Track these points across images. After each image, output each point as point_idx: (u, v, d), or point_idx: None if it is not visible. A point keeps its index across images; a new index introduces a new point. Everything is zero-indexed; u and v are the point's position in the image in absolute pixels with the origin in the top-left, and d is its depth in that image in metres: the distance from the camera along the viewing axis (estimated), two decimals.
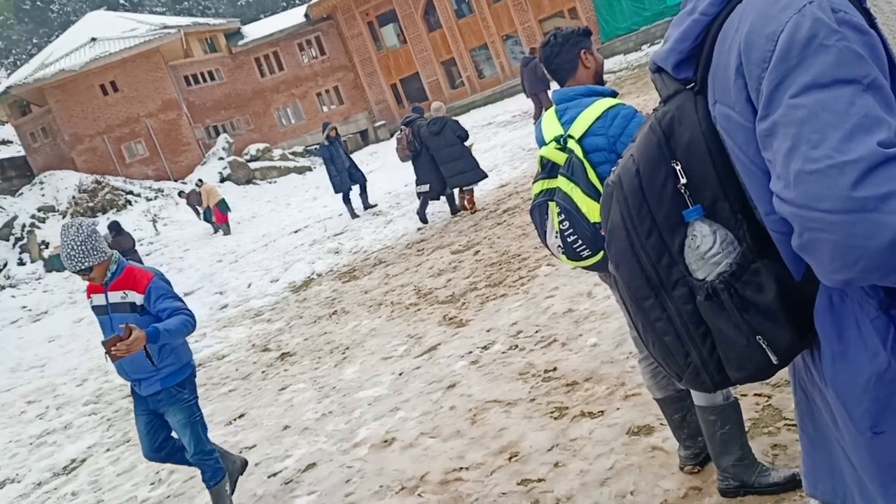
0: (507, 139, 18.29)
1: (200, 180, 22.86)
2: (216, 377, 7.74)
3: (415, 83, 36.12)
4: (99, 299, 3.95)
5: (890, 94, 1.05)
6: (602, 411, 3.89)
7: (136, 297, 3.84)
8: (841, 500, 1.36)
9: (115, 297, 3.88)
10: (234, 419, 6.13)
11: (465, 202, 11.41)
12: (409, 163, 11.89)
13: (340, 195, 14.64)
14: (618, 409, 3.85)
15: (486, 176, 11.31)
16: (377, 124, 35.33)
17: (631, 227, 1.34)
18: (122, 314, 3.85)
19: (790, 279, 1.23)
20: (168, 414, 4.05)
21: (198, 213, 22.37)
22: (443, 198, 11.70)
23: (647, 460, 3.30)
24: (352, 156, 14.62)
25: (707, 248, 1.26)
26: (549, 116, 2.85)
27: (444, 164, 11.01)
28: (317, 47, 37.34)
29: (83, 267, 3.75)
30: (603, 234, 2.53)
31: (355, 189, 14.74)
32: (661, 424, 3.45)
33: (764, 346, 1.24)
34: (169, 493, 5.09)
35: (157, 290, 3.85)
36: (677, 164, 1.28)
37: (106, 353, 3.57)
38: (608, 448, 3.51)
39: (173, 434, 4.23)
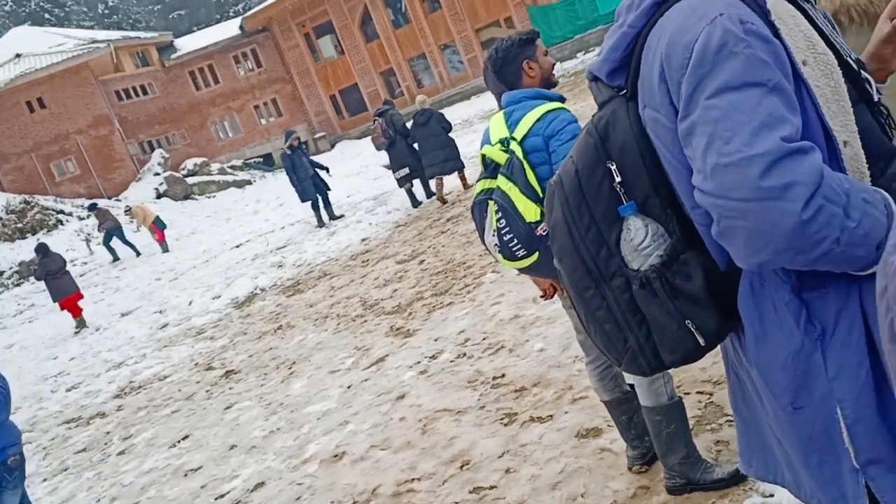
0: None
1: (128, 206, 22.08)
2: (158, 399, 7.56)
3: (354, 94, 35.98)
4: None
5: (793, 96, 1.17)
6: (551, 416, 3.93)
7: None
8: (772, 476, 1.45)
9: None
10: (178, 441, 5.99)
11: (442, 193, 12.10)
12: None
13: (309, 203, 14.38)
14: (566, 412, 3.89)
15: (464, 166, 12.15)
16: (317, 136, 35.08)
17: (572, 222, 1.42)
18: None
19: (715, 268, 1.34)
20: None
21: (109, 234, 20.22)
22: (402, 191, 12.43)
23: (596, 462, 3.34)
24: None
25: (640, 241, 1.35)
26: (498, 119, 2.88)
27: (427, 153, 11.67)
28: (253, 59, 36.92)
29: None
30: (540, 232, 2.59)
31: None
32: (609, 426, 3.50)
33: (693, 329, 1.34)
34: None
35: None
36: (612, 165, 1.38)
37: None
38: (558, 452, 3.54)
39: None
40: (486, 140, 2.87)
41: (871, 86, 1.33)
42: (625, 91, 1.39)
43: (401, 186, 12.55)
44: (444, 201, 11.86)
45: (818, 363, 1.23)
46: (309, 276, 10.74)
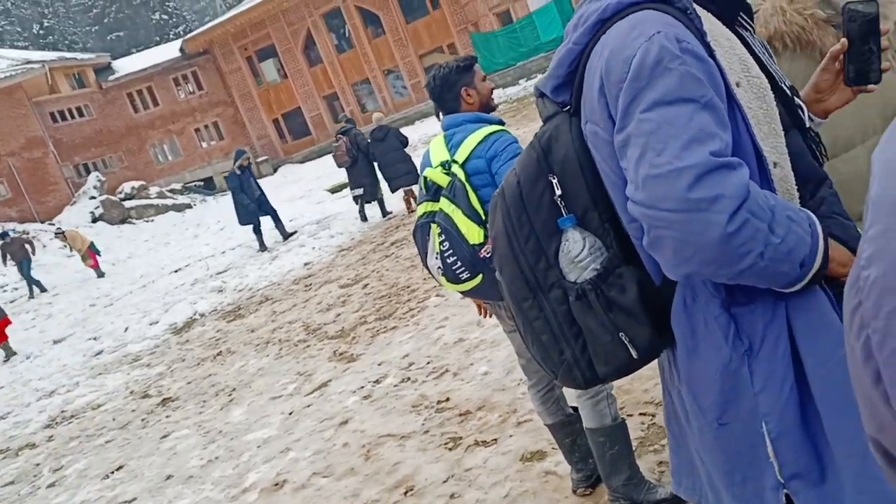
0: None
1: (60, 230, 21.30)
2: (91, 428, 7.29)
3: (297, 118, 35.82)
4: None
5: (724, 114, 1.20)
6: (495, 439, 3.91)
7: None
8: (698, 497, 1.48)
9: None
10: (112, 472, 5.78)
11: (407, 202, 12.49)
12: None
13: (250, 227, 14.18)
14: (511, 436, 3.88)
15: None
16: (260, 159, 34.72)
17: (512, 233, 1.44)
18: None
19: (650, 283, 1.36)
20: None
21: (22, 265, 19.05)
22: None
23: (541, 485, 3.33)
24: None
25: (577, 253, 1.37)
26: (438, 142, 2.89)
27: (388, 167, 12.01)
28: (194, 82, 36.47)
29: None
30: (483, 254, 2.60)
31: (265, 221, 14.33)
32: (553, 449, 3.49)
33: (626, 342, 1.36)
34: None
35: None
36: (553, 178, 1.40)
37: None
38: (503, 476, 3.52)
39: None
40: (427, 163, 2.87)
41: (803, 112, 1.38)
42: (568, 107, 1.42)
43: (356, 202, 13.06)
44: (411, 210, 12.16)
45: (745, 378, 1.26)
46: (250, 300, 10.56)
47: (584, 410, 2.85)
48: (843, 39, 1.36)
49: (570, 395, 3.16)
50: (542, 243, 1.41)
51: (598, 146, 1.33)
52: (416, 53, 32.97)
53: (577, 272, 1.37)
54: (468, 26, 31.45)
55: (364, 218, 12.96)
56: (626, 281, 1.35)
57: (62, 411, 8.41)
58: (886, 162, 0.52)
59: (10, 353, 12.72)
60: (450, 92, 2.84)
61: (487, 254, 2.61)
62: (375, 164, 12.41)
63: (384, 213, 12.95)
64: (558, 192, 1.39)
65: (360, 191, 12.76)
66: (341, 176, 19.98)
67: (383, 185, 12.62)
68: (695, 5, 1.30)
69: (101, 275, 18.73)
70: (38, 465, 6.77)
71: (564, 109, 1.44)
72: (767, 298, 1.24)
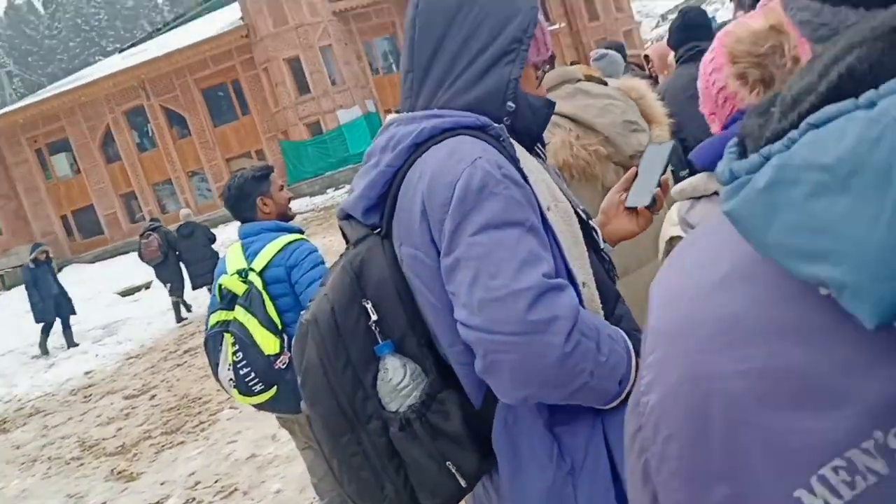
0: None
1: None
2: None
3: (89, 215, 33.73)
4: None
5: (545, 237, 1.26)
6: None
7: None
8: None
9: None
10: None
11: None
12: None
13: (41, 325, 12.94)
14: None
15: None
16: None
17: (327, 363, 1.36)
18: None
19: (471, 407, 1.33)
20: None
21: None
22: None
23: None
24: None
25: (398, 381, 1.32)
26: (234, 250, 2.85)
27: (195, 264, 11.81)
28: None
29: None
30: (279, 365, 2.54)
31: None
32: None
33: (453, 470, 1.31)
34: None
35: None
36: (368, 303, 1.35)
37: None
38: None
39: None
40: (222, 271, 2.81)
41: (597, 234, 1.48)
42: (379, 229, 1.40)
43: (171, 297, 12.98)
44: None
45: (570, 496, 1.27)
46: (18, 413, 9.51)
47: None
48: (634, 168, 1.52)
49: None
50: (358, 372, 1.34)
51: (416, 270, 1.31)
52: (224, 157, 32.51)
53: (399, 401, 1.32)
54: (278, 134, 31.63)
55: (178, 319, 12.58)
56: (449, 406, 1.31)
57: None
58: (663, 294, 0.56)
59: None
60: (245, 201, 2.83)
61: (283, 365, 2.56)
62: (181, 262, 12.23)
63: (178, 318, 12.50)
64: (374, 317, 1.34)
65: (168, 286, 12.60)
66: (135, 277, 18.95)
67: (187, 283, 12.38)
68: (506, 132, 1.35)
69: None
70: None
71: (375, 232, 1.41)
72: (587, 416, 1.28)
